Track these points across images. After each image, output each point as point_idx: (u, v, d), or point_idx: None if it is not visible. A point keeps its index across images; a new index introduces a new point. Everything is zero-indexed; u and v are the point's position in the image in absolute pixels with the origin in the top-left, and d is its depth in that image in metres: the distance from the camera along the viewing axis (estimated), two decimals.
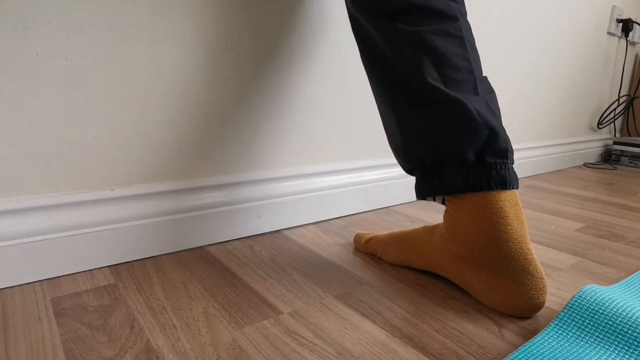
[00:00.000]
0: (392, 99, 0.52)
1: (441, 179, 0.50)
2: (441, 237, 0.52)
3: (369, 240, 0.63)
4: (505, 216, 0.46)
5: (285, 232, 0.72)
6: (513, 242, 0.46)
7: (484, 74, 0.51)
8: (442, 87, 0.48)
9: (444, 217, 0.52)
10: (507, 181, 0.47)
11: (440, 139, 0.49)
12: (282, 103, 0.70)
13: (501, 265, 0.46)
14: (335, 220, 0.79)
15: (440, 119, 0.48)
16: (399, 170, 0.91)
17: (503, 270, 0.46)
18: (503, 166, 0.47)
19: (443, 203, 0.53)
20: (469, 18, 0.96)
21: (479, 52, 1.02)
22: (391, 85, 0.52)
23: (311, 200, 0.76)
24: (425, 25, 0.48)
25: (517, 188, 0.49)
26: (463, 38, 0.50)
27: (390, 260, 0.60)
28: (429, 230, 0.55)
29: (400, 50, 0.50)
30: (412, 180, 0.93)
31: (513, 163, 0.49)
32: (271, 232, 0.71)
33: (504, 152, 0.48)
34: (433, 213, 0.86)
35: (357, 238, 0.66)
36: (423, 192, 0.53)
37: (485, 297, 0.49)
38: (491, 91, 0.51)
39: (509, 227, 0.46)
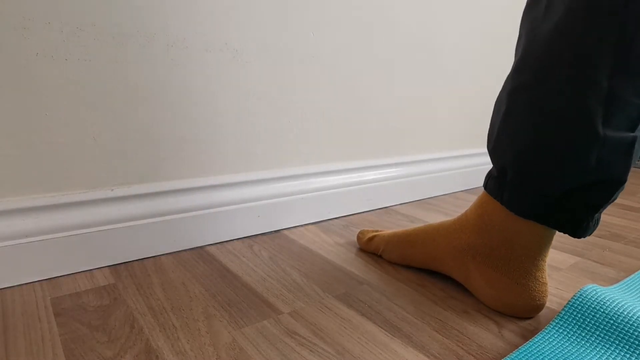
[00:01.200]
0: (522, 83, 0.42)
1: (514, 195, 0.44)
2: (453, 226, 0.51)
3: (372, 238, 0.63)
4: (542, 237, 0.44)
5: (285, 232, 0.72)
6: (530, 250, 0.45)
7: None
8: (597, 106, 0.37)
9: (473, 207, 0.49)
10: (579, 232, 0.42)
11: (537, 160, 0.41)
12: (282, 103, 0.70)
13: (508, 265, 0.46)
14: (335, 220, 0.79)
15: (554, 139, 0.39)
16: (398, 170, 0.91)
17: (508, 270, 0.46)
18: (586, 217, 0.41)
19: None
20: (469, 19, 0.96)
21: (480, 51, 1.02)
22: (535, 66, 0.40)
23: (311, 200, 0.76)
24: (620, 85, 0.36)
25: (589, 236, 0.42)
26: None
27: (391, 258, 0.60)
28: (435, 227, 0.55)
29: (581, 22, 0.36)
30: (410, 180, 0.93)
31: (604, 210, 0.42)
32: (271, 232, 0.71)
33: (597, 206, 0.40)
34: (433, 213, 0.86)
35: (360, 235, 0.66)
36: (490, 189, 0.47)
37: (485, 294, 0.48)
38: None
39: (533, 238, 0.44)
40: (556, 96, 0.39)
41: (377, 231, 0.65)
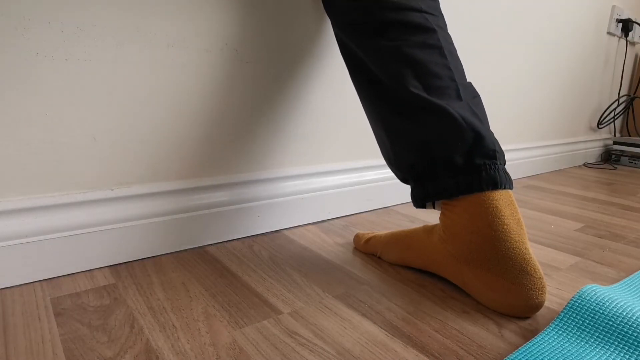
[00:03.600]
0: (380, 111, 0.54)
1: (434, 184, 0.51)
2: (439, 238, 0.52)
3: (369, 240, 0.63)
4: (501, 215, 0.47)
5: (285, 232, 0.72)
6: (510, 242, 0.46)
7: (468, 80, 0.55)
8: (425, 94, 0.49)
9: (440, 219, 0.52)
10: (498, 181, 0.48)
11: (428, 145, 0.50)
12: (282, 103, 0.70)
13: (499, 265, 0.46)
14: (335, 220, 0.79)
15: (426, 125, 0.50)
16: None
17: (501, 271, 0.46)
18: (492, 167, 0.48)
19: (434, 200, 0.53)
20: (467, 19, 0.96)
21: (480, 52, 1.02)
22: (378, 98, 0.54)
23: (311, 200, 0.76)
24: (405, 39, 0.51)
25: (510, 188, 0.49)
26: (442, 48, 0.51)
27: (389, 259, 0.60)
28: (429, 230, 0.55)
29: (384, 64, 0.52)
30: None
31: (504, 164, 0.50)
32: (271, 232, 0.71)
33: (492, 153, 0.49)
34: (432, 213, 0.86)
35: (357, 238, 0.66)
36: (418, 198, 0.54)
37: (484, 297, 0.49)
38: (475, 96, 0.52)
39: (505, 227, 0.46)
40: (405, 101, 0.51)
41: (373, 233, 0.65)
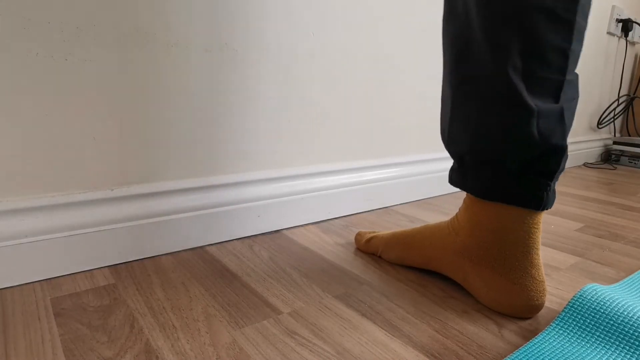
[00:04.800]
0: (460, 80, 0.47)
1: (476, 179, 0.48)
2: (447, 229, 0.52)
3: (370, 239, 0.63)
4: (524, 223, 0.45)
5: (285, 232, 0.72)
6: (523, 246, 0.45)
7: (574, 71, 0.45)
8: (519, 82, 0.42)
9: (461, 207, 0.51)
10: (543, 204, 0.44)
11: (487, 143, 0.45)
12: (282, 103, 0.70)
13: (504, 265, 0.46)
14: (335, 220, 0.79)
15: (498, 119, 0.44)
16: (398, 170, 0.91)
17: (505, 271, 0.46)
18: (544, 187, 0.44)
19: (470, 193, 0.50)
20: None
21: None
22: (465, 63, 0.46)
23: (311, 200, 0.76)
24: None
25: (550, 208, 0.46)
26: (572, 24, 0.41)
27: (390, 259, 0.60)
28: (432, 227, 0.55)
29: (492, 22, 0.42)
30: (410, 180, 0.93)
31: (557, 181, 0.46)
32: (271, 232, 0.71)
33: (551, 174, 0.44)
34: (432, 213, 0.86)
35: (358, 237, 0.66)
36: (454, 181, 0.51)
37: (483, 295, 0.48)
38: (574, 97, 0.45)
39: (522, 233, 0.45)
40: (490, 81, 0.44)
41: (374, 232, 0.65)
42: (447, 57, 0.49)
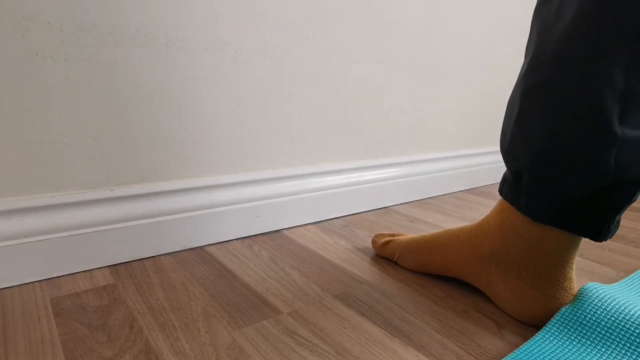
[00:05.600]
0: (535, 81, 0.41)
1: (531, 199, 0.42)
2: (474, 232, 0.49)
3: (387, 242, 0.61)
4: (567, 241, 0.42)
5: (285, 232, 0.72)
6: (558, 257, 0.43)
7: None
8: (613, 103, 0.36)
9: (494, 210, 0.48)
10: (603, 236, 0.40)
11: (553, 162, 0.40)
12: (281, 103, 0.70)
13: (535, 275, 0.43)
14: (335, 220, 0.79)
15: (570, 140, 0.38)
16: (398, 170, 0.91)
17: (535, 281, 0.43)
18: (609, 220, 0.39)
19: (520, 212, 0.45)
20: (471, 20, 0.96)
21: (481, 55, 1.02)
22: (548, 63, 0.39)
23: (311, 200, 0.76)
24: None
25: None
26: None
27: (407, 265, 0.58)
28: (454, 232, 0.53)
29: (599, 18, 0.35)
30: (410, 180, 0.93)
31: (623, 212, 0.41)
32: (271, 232, 0.71)
33: (617, 207, 0.39)
34: (432, 213, 0.86)
35: (376, 238, 0.64)
36: (505, 195, 0.46)
37: (508, 303, 0.46)
38: None
39: (559, 245, 0.42)
40: (571, 94, 0.38)
41: (393, 235, 0.63)
42: (527, 56, 0.42)
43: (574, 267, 0.43)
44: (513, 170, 0.45)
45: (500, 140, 0.47)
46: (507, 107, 0.46)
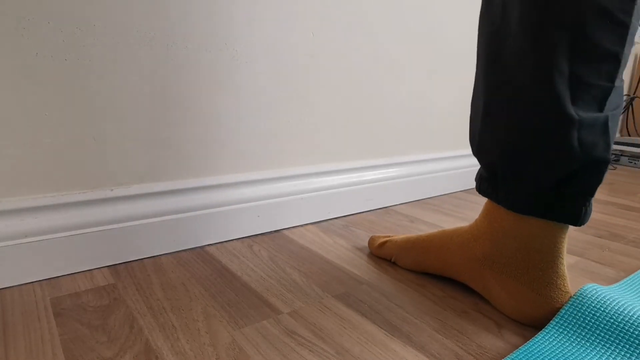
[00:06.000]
0: (493, 81, 0.44)
1: (508, 191, 0.45)
2: (467, 237, 0.50)
3: (384, 243, 0.61)
4: (553, 234, 0.43)
5: (285, 232, 0.72)
6: (548, 254, 0.43)
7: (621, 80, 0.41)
8: (564, 89, 0.38)
9: (482, 213, 0.49)
10: (581, 220, 0.42)
11: (523, 151, 0.42)
12: (282, 103, 0.70)
13: (528, 274, 0.44)
14: (335, 220, 0.79)
15: (535, 129, 0.41)
16: (398, 170, 0.91)
17: (528, 281, 0.44)
18: (582, 203, 0.41)
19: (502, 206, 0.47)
20: (470, 19, 0.96)
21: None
22: (501, 63, 0.42)
23: (311, 200, 0.76)
24: None
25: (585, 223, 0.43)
26: (628, 28, 0.38)
27: (405, 265, 0.58)
28: (450, 233, 0.53)
29: (537, 16, 0.38)
30: (410, 180, 0.93)
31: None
32: (271, 232, 0.71)
33: (591, 189, 0.41)
34: (432, 213, 0.86)
35: (371, 241, 0.64)
36: (484, 192, 0.48)
37: (505, 305, 0.47)
38: (618, 105, 0.41)
39: (546, 240, 0.43)
40: (528, 86, 0.41)
41: (388, 236, 0.63)
42: (481, 59, 0.46)
43: (565, 263, 0.44)
44: (487, 166, 0.47)
45: (470, 141, 0.50)
46: (472, 109, 0.49)
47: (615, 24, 0.37)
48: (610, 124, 0.40)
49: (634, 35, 0.39)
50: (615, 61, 0.38)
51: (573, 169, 0.40)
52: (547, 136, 0.40)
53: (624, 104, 1.72)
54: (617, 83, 0.40)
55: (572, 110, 0.39)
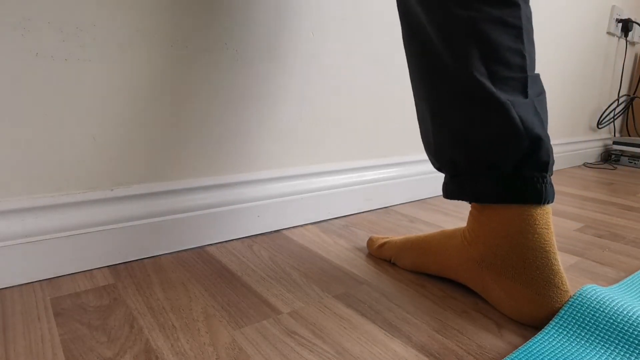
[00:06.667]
0: (431, 90, 0.49)
1: (473, 184, 0.48)
2: (462, 241, 0.51)
3: (383, 244, 0.61)
4: (535, 224, 0.45)
5: (285, 232, 0.72)
6: (540, 251, 0.44)
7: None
8: (489, 84, 0.44)
9: (469, 219, 0.50)
10: (543, 197, 0.45)
11: (476, 144, 0.46)
12: (282, 103, 0.70)
13: (525, 274, 0.45)
14: (335, 220, 0.79)
15: (480, 121, 0.45)
16: (398, 170, 0.91)
17: (526, 280, 0.45)
18: (541, 180, 0.45)
19: (470, 202, 0.51)
20: None
21: None
22: (433, 75, 0.48)
23: (311, 200, 0.76)
24: (482, 10, 0.44)
25: (552, 202, 0.46)
26: (521, 29, 0.45)
27: (404, 265, 0.58)
28: (447, 235, 0.54)
29: (450, 36, 0.45)
30: (410, 180, 0.93)
31: (552, 174, 0.47)
32: (271, 232, 0.71)
33: (545, 165, 0.45)
34: (433, 213, 0.86)
35: (370, 242, 0.64)
36: (451, 194, 0.51)
37: (505, 306, 0.47)
38: (541, 92, 0.47)
39: (536, 235, 0.45)
40: (463, 89, 0.45)
41: (386, 238, 0.63)
42: (416, 75, 0.51)
43: (559, 259, 0.45)
44: (448, 165, 0.50)
45: (425, 146, 0.54)
46: (418, 117, 0.53)
47: (510, 27, 0.44)
48: (537, 107, 0.45)
49: (530, 35, 0.46)
50: (520, 56, 0.45)
51: (524, 148, 0.44)
52: (492, 121, 0.44)
53: (623, 104, 1.72)
54: (529, 72, 0.45)
55: (501, 95, 0.44)
